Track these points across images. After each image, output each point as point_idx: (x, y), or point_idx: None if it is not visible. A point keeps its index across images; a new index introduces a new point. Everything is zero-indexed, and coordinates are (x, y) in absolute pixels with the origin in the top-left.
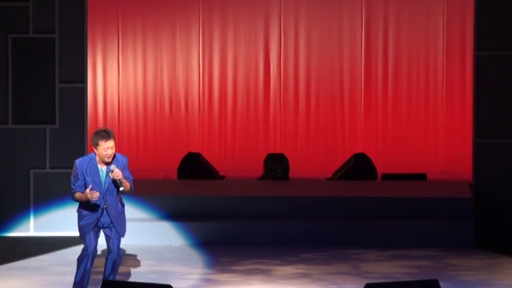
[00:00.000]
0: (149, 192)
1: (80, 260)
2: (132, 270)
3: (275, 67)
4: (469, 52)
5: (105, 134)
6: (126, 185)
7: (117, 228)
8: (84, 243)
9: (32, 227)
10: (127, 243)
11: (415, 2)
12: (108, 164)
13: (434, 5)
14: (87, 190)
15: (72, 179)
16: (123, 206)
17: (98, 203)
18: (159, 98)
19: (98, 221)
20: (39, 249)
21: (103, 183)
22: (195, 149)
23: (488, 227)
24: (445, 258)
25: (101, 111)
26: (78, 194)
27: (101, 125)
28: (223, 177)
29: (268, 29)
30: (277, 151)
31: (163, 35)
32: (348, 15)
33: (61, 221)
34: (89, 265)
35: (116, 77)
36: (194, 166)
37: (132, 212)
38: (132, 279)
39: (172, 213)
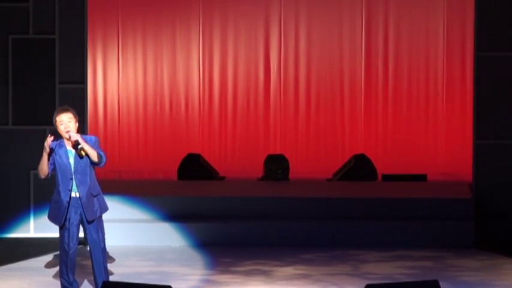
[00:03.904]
0: (149, 193)
1: (60, 260)
2: (132, 271)
3: (275, 68)
4: (469, 53)
5: (60, 109)
6: (86, 146)
7: (85, 213)
8: (60, 242)
9: (32, 228)
10: (127, 243)
11: (415, 3)
12: (70, 140)
13: (434, 5)
14: (45, 142)
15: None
16: (98, 189)
17: (68, 186)
18: (159, 99)
19: (70, 211)
20: (39, 250)
21: (72, 164)
22: (195, 149)
23: (488, 228)
24: (445, 259)
25: (101, 112)
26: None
27: (101, 126)
28: (223, 178)
29: (268, 30)
30: (278, 152)
31: (164, 35)
32: (348, 15)
33: None
34: (71, 277)
35: (116, 78)
36: (194, 167)
37: (132, 212)
38: (132, 280)
39: (173, 214)
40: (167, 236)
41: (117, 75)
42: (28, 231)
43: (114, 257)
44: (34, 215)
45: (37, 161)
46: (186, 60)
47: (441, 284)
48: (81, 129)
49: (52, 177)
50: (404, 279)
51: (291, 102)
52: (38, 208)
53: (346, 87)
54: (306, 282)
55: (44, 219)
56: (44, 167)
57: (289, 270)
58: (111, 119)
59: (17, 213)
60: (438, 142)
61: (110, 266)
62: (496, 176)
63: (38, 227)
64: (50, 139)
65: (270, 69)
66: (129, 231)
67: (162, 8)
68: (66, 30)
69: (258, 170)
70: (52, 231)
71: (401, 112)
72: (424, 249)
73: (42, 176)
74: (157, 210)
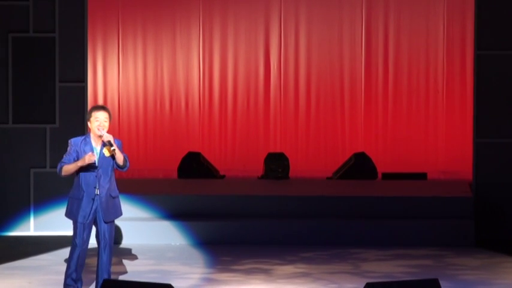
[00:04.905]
0: (149, 191)
1: (70, 257)
2: (133, 269)
3: (275, 66)
4: (469, 51)
5: (99, 106)
6: (117, 149)
7: (103, 214)
8: (73, 238)
9: (32, 227)
10: (127, 242)
11: (415, 2)
12: (102, 139)
13: (434, 5)
14: (86, 155)
15: (63, 156)
16: (117, 191)
17: (94, 184)
18: (160, 98)
19: (91, 208)
20: (39, 248)
21: (97, 161)
22: (195, 148)
23: (488, 226)
24: (445, 258)
25: None
26: (67, 166)
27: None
28: (223, 176)
29: (268, 29)
30: (278, 150)
31: (164, 34)
32: (348, 15)
33: (61, 221)
34: (78, 275)
35: (116, 77)
36: (194, 165)
37: (132, 211)
38: (132, 278)
39: (173, 213)
40: (167, 235)
41: (117, 74)
42: (28, 229)
43: (115, 256)
44: (34, 214)
45: (37, 159)
46: (186, 58)
47: (441, 282)
48: (81, 128)
49: (53, 175)
50: (404, 277)
51: (291, 101)
52: (38, 206)
53: (346, 85)
54: (306, 280)
55: (44, 217)
56: (72, 171)
57: (289, 268)
58: None
59: (17, 212)
60: (438, 141)
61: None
62: (496, 174)
63: (38, 225)
64: (93, 158)
65: (270, 67)
66: (129, 229)
67: (162, 7)
68: (67, 28)
69: (258, 169)
70: (52, 230)
71: (401, 111)
72: (424, 248)
73: (63, 175)
74: (158, 208)
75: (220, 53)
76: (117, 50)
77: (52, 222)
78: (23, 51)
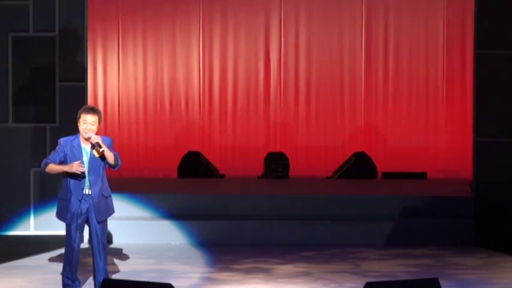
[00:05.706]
0: (149, 190)
1: (65, 257)
2: (132, 269)
3: (275, 66)
4: (469, 51)
5: (88, 108)
6: (106, 150)
7: (96, 214)
8: (66, 239)
9: (32, 226)
10: (127, 241)
11: (415, 2)
12: (90, 141)
13: (434, 5)
14: (75, 163)
15: (51, 152)
16: (109, 191)
17: (81, 185)
18: (159, 97)
19: (80, 208)
20: (39, 248)
21: (86, 162)
22: (195, 147)
23: (488, 226)
24: (445, 257)
25: (101, 110)
26: (53, 166)
27: (100, 123)
28: (223, 175)
29: (268, 28)
30: (278, 150)
31: (164, 33)
32: (348, 15)
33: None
34: (74, 275)
35: (116, 76)
36: (194, 165)
37: (132, 210)
38: (132, 278)
39: (173, 212)
40: (167, 234)
41: (117, 73)
42: (28, 229)
43: (115, 255)
44: (34, 213)
45: (37, 159)
46: (186, 58)
47: (441, 281)
48: None
49: (53, 175)
50: (404, 277)
51: (291, 100)
52: (38, 206)
53: (346, 85)
54: (306, 280)
55: (44, 217)
56: (56, 172)
57: (289, 268)
58: (111, 117)
59: (17, 211)
60: (438, 140)
61: (110, 264)
62: (496, 173)
63: (38, 224)
64: (81, 168)
65: (270, 67)
66: (129, 229)
67: (162, 7)
68: (67, 28)
69: (258, 168)
70: (52, 229)
71: (401, 110)
72: (424, 247)
73: (46, 172)
74: (158, 208)
75: (220, 52)
76: (117, 50)
77: (52, 222)
78: (23, 51)
